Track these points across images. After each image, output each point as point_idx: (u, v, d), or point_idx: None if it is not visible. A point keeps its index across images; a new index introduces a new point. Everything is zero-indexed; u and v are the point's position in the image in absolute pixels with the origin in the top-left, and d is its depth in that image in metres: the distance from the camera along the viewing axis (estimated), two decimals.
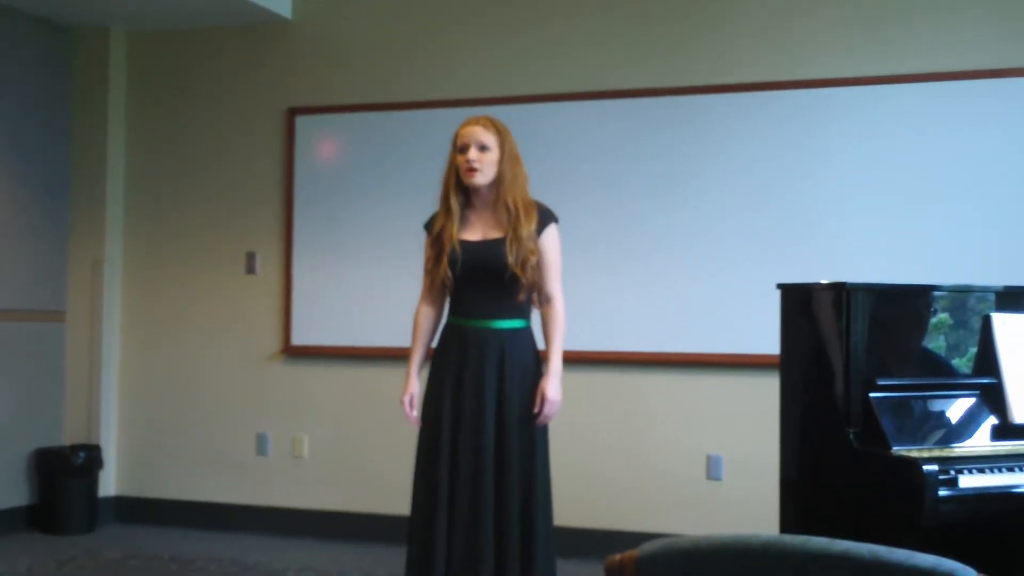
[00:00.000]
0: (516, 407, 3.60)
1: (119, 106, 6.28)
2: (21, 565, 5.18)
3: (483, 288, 3.64)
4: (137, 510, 6.18)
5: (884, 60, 5.12)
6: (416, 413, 3.74)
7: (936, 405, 3.31)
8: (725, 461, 5.28)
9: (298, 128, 5.97)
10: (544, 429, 3.66)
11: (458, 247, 3.64)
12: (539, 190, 3.83)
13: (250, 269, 6.06)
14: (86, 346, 6.17)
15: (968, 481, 3.02)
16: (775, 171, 5.21)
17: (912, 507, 2.98)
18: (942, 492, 2.97)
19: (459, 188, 3.69)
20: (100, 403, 6.15)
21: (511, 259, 3.58)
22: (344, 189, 5.88)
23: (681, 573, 1.49)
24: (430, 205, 3.84)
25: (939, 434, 3.25)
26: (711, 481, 5.31)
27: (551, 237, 3.69)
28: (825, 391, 3.32)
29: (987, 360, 3.32)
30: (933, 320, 3.39)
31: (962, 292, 3.43)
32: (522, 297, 3.66)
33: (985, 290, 3.45)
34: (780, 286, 3.54)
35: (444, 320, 3.81)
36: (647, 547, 1.53)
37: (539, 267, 3.64)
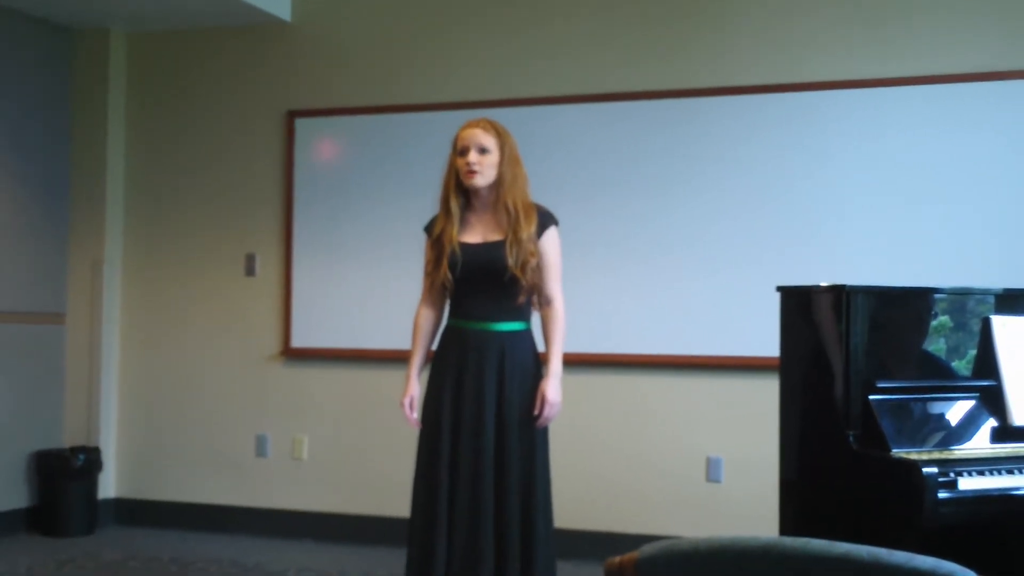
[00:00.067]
0: (516, 409, 3.60)
1: (119, 107, 6.28)
2: (21, 567, 5.17)
3: (483, 290, 3.64)
4: (137, 512, 6.18)
5: (884, 62, 5.12)
6: (416, 415, 3.74)
7: (936, 407, 3.31)
8: (725, 463, 5.28)
9: (298, 130, 5.97)
10: (544, 431, 3.66)
11: (458, 249, 3.64)
12: (538, 192, 3.83)
13: (249, 271, 6.06)
14: (86, 348, 6.17)
15: (968, 483, 3.02)
16: (775, 173, 5.21)
17: (912, 509, 2.98)
18: (942, 494, 2.97)
19: (459, 190, 3.69)
20: (100, 405, 6.15)
21: (511, 261, 3.58)
22: (344, 191, 5.88)
23: (680, 575, 1.49)
24: (430, 207, 3.84)
25: (939, 436, 3.25)
26: (711, 483, 5.31)
27: (551, 239, 3.69)
28: (825, 393, 3.32)
29: (987, 362, 3.32)
30: (933, 323, 3.39)
31: (962, 294, 3.43)
32: (522, 299, 3.66)
33: (985, 292, 3.45)
34: (780, 288, 3.54)
35: (444, 322, 3.81)
36: (646, 549, 1.53)
37: (539, 269, 3.64)
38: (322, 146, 5.96)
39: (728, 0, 5.37)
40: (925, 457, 3.06)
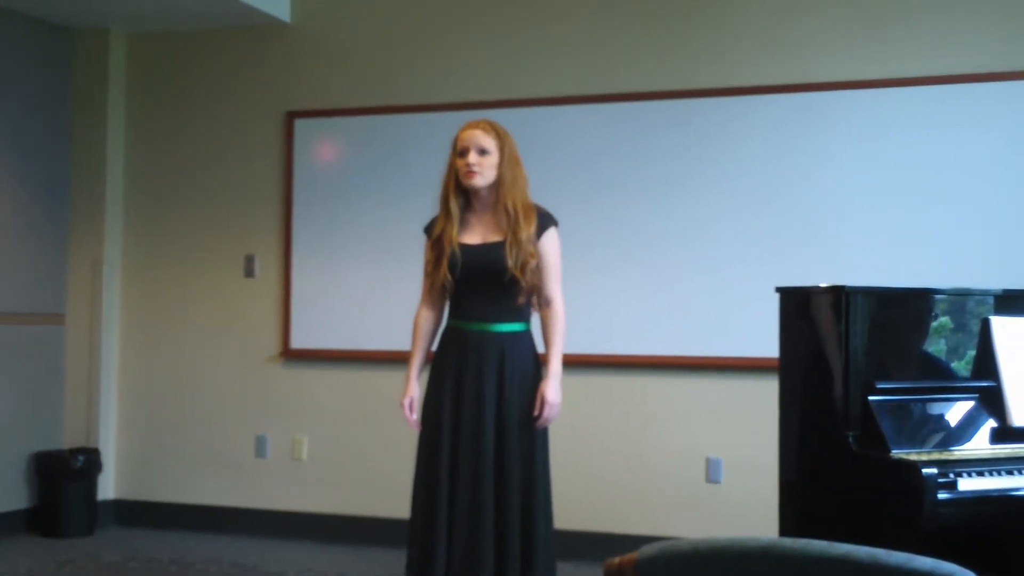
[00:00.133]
0: (516, 410, 3.60)
1: (119, 108, 6.28)
2: (20, 568, 5.17)
3: (483, 291, 3.65)
4: (136, 513, 6.18)
5: (884, 62, 5.12)
6: (416, 416, 3.74)
7: (935, 408, 3.31)
8: (724, 464, 5.28)
9: (297, 131, 5.97)
10: (544, 432, 3.67)
11: (458, 250, 3.64)
12: (538, 193, 3.83)
13: (249, 272, 6.06)
14: (85, 348, 6.17)
15: (967, 484, 3.02)
16: (774, 173, 5.21)
17: (911, 510, 2.98)
18: (941, 495, 2.97)
19: (459, 191, 3.69)
20: (99, 406, 6.15)
21: (511, 262, 3.58)
22: (343, 192, 5.88)
23: None
24: (429, 208, 3.84)
25: (938, 437, 3.25)
26: (710, 484, 5.31)
27: (551, 240, 3.69)
28: (824, 394, 3.32)
29: (986, 363, 3.32)
30: (933, 323, 3.39)
31: (961, 295, 3.43)
32: (522, 300, 3.66)
33: (984, 293, 3.45)
34: (779, 289, 3.54)
35: (444, 323, 3.81)
36: (646, 550, 1.53)
37: (539, 270, 3.65)
38: (322, 147, 5.96)
39: (728, 1, 5.37)
40: (925, 458, 3.06)
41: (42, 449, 5.99)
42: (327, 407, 5.90)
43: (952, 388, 3.34)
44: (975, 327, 3.37)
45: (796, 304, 3.50)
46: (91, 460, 5.96)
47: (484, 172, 3.64)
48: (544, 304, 3.70)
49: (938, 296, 3.42)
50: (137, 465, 6.22)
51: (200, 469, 6.10)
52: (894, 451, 3.09)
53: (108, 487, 6.18)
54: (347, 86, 5.93)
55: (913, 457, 3.05)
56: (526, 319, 3.72)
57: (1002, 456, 3.17)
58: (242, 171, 6.11)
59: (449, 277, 3.65)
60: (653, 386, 5.39)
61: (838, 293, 3.28)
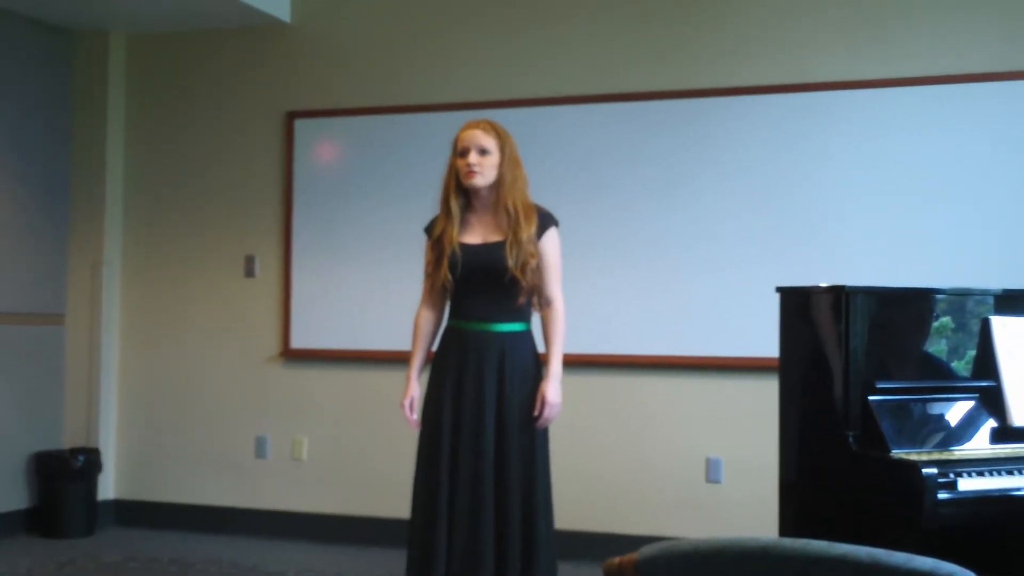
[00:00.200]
0: (516, 410, 3.60)
1: (119, 108, 6.28)
2: (20, 568, 5.17)
3: (483, 291, 3.65)
4: (136, 513, 6.18)
5: (884, 63, 5.12)
6: (416, 416, 3.74)
7: (935, 408, 3.31)
8: (724, 464, 5.28)
9: (297, 131, 5.97)
10: (544, 432, 3.67)
11: (458, 250, 3.64)
12: (538, 193, 3.83)
13: (249, 273, 6.06)
14: (85, 349, 6.17)
15: (967, 484, 3.02)
16: (774, 173, 5.21)
17: (911, 510, 2.98)
18: (941, 495, 2.97)
19: (459, 191, 3.70)
20: (99, 406, 6.15)
21: (511, 262, 3.58)
22: (343, 192, 5.88)
23: None
24: (429, 208, 3.84)
25: (938, 437, 3.25)
26: (710, 484, 5.31)
27: (551, 240, 3.69)
28: (824, 394, 3.32)
29: (986, 363, 3.32)
30: (933, 323, 3.39)
31: (961, 295, 3.43)
32: (522, 300, 3.66)
33: (984, 293, 3.45)
34: (779, 289, 3.54)
35: (444, 323, 3.81)
36: (646, 550, 1.53)
37: (539, 270, 3.65)
38: (322, 147, 5.96)
39: (728, 1, 5.37)
40: (925, 458, 3.06)
41: (42, 449, 5.99)
42: (327, 407, 5.90)
43: (952, 388, 3.34)
44: (975, 327, 3.37)
45: (796, 304, 3.50)
46: (91, 460, 5.96)
47: (484, 172, 3.64)
48: (544, 304, 3.70)
49: (938, 296, 3.42)
50: (137, 465, 6.22)
51: (200, 469, 6.10)
52: (894, 451, 3.09)
53: (108, 487, 6.19)
54: (347, 86, 5.93)
55: (913, 457, 3.05)
56: (526, 319, 3.72)
57: (1002, 456, 3.17)
58: (242, 171, 6.11)
59: (449, 277, 3.65)
60: (653, 386, 5.39)
61: (838, 293, 3.28)
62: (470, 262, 3.63)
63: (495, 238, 3.65)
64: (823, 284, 3.41)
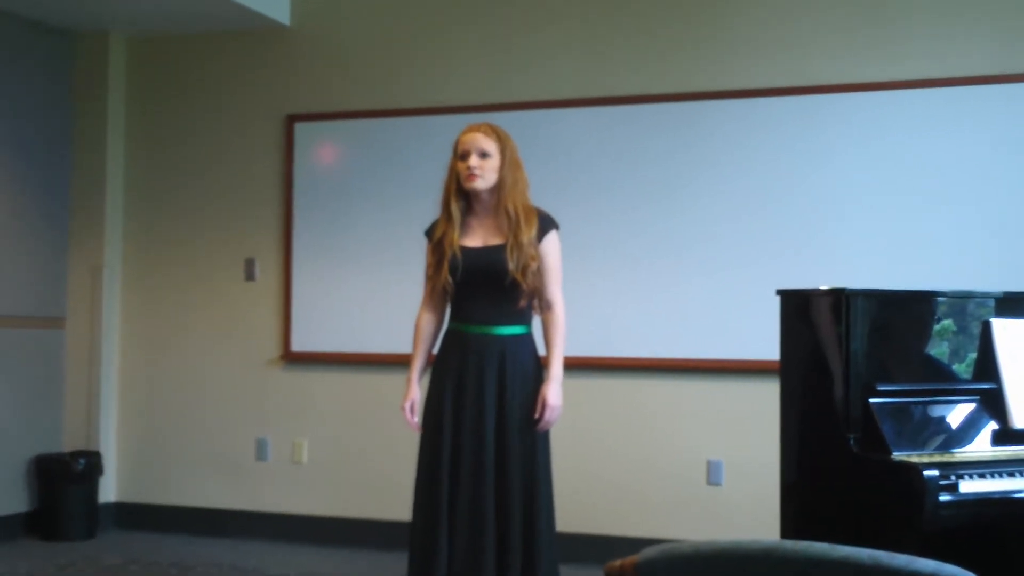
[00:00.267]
0: (517, 413, 3.60)
1: (119, 111, 6.29)
2: (20, 571, 5.17)
3: (484, 294, 3.65)
4: (137, 516, 6.18)
5: (883, 65, 5.13)
6: (417, 419, 3.74)
7: (936, 410, 3.31)
8: (725, 466, 5.28)
9: (297, 134, 5.97)
10: (545, 435, 3.67)
11: (459, 253, 3.64)
12: (539, 195, 3.83)
13: (249, 276, 6.06)
14: (86, 352, 6.17)
15: (969, 486, 3.01)
16: (775, 176, 5.22)
17: (912, 512, 2.98)
18: (943, 497, 2.97)
19: (460, 194, 3.70)
20: (100, 409, 6.15)
21: (512, 265, 3.58)
22: (344, 195, 5.88)
23: None
24: (430, 211, 3.84)
25: (939, 439, 3.24)
26: (711, 486, 5.30)
27: (552, 243, 3.70)
28: (825, 396, 3.31)
29: (987, 365, 3.32)
30: (933, 326, 3.39)
31: (962, 297, 3.43)
32: (523, 303, 3.66)
33: (985, 296, 3.45)
34: (779, 291, 3.54)
35: (445, 326, 3.81)
36: (647, 553, 1.53)
37: (540, 273, 3.65)
38: (322, 150, 5.96)
39: (728, 3, 5.37)
40: (926, 460, 3.06)
41: (42, 452, 5.99)
42: (328, 410, 5.90)
43: (953, 390, 3.34)
44: (976, 329, 3.37)
45: (797, 306, 3.50)
46: (92, 463, 5.96)
47: (485, 175, 3.64)
48: (545, 307, 3.70)
49: (939, 298, 3.42)
50: (138, 468, 6.22)
51: (201, 472, 6.10)
52: (895, 453, 3.09)
53: (109, 490, 6.18)
54: (347, 89, 5.93)
55: (914, 459, 3.05)
56: (527, 322, 3.72)
57: (1003, 458, 3.16)
58: (242, 174, 6.11)
59: (450, 280, 3.65)
60: (654, 388, 5.38)
61: (838, 295, 3.28)
62: (471, 265, 3.63)
63: (496, 241, 3.65)
64: (823, 286, 3.41)
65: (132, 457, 6.23)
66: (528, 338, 3.71)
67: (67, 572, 5.18)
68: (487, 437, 3.58)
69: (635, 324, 5.37)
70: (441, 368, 3.71)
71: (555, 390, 3.61)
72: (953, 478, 3.00)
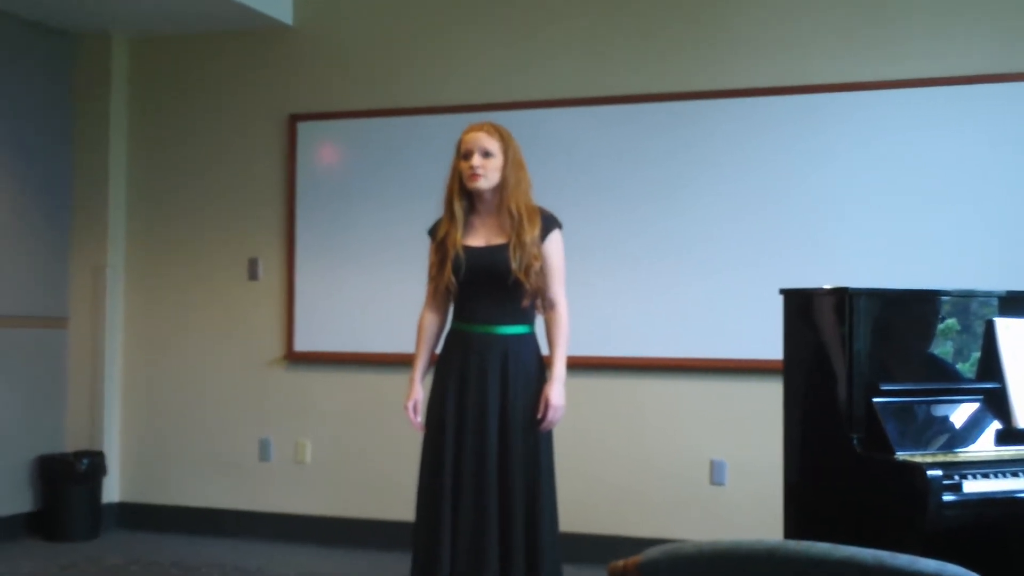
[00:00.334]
0: (520, 412, 3.60)
1: (121, 112, 6.29)
2: (23, 571, 5.18)
3: (487, 293, 3.65)
4: (140, 516, 6.18)
5: (883, 64, 5.12)
6: (420, 419, 3.74)
7: (940, 410, 3.31)
8: (728, 466, 5.28)
9: (300, 134, 5.97)
10: (548, 434, 3.66)
11: (462, 253, 3.64)
12: (540, 195, 3.83)
13: (252, 275, 6.06)
14: (88, 352, 6.17)
15: (972, 486, 3.01)
16: (776, 175, 5.21)
17: (916, 512, 2.98)
18: (946, 497, 2.97)
19: (463, 194, 3.70)
20: (103, 409, 6.15)
21: (515, 265, 3.58)
22: (346, 194, 5.88)
23: None
24: (432, 210, 3.84)
25: (943, 439, 3.24)
26: (714, 486, 5.30)
27: (554, 243, 3.69)
28: (828, 396, 3.31)
29: (990, 365, 3.32)
30: (937, 325, 3.39)
31: (965, 297, 3.43)
32: (526, 303, 3.66)
33: (988, 295, 3.45)
34: (782, 291, 3.54)
35: (448, 326, 3.81)
36: (650, 553, 1.53)
37: (542, 273, 3.65)
38: (324, 149, 5.96)
39: (729, 3, 5.37)
40: (929, 460, 3.05)
41: (46, 452, 6.00)
42: (330, 410, 5.90)
43: (956, 390, 3.34)
44: (979, 329, 3.37)
45: (800, 306, 3.50)
46: (95, 463, 5.96)
47: (488, 175, 3.64)
48: (548, 307, 3.70)
49: (942, 298, 3.42)
50: (141, 468, 6.23)
51: (204, 472, 6.10)
52: (898, 453, 3.08)
53: (112, 490, 6.19)
54: (349, 89, 5.93)
55: (917, 459, 3.05)
56: (530, 322, 3.72)
57: (1007, 458, 3.16)
58: (245, 174, 6.11)
59: (453, 280, 3.65)
60: (656, 388, 5.38)
61: (841, 295, 3.27)
62: (474, 265, 3.63)
63: (498, 241, 3.65)
64: (827, 286, 3.41)
65: (135, 457, 6.23)
66: (531, 338, 3.71)
67: (70, 572, 5.19)
68: (490, 437, 3.58)
69: (637, 324, 5.37)
70: (444, 368, 3.71)
71: (558, 390, 3.61)
72: (956, 478, 3.00)
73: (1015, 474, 3.09)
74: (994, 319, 3.35)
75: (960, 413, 3.31)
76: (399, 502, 5.10)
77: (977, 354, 3.36)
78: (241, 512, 6.02)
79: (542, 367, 3.71)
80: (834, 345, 3.31)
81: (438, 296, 3.78)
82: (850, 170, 5.12)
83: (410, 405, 3.74)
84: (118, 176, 6.26)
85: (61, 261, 6.18)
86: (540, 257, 3.63)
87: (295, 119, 5.99)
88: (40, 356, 6.07)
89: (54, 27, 6.10)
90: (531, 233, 3.61)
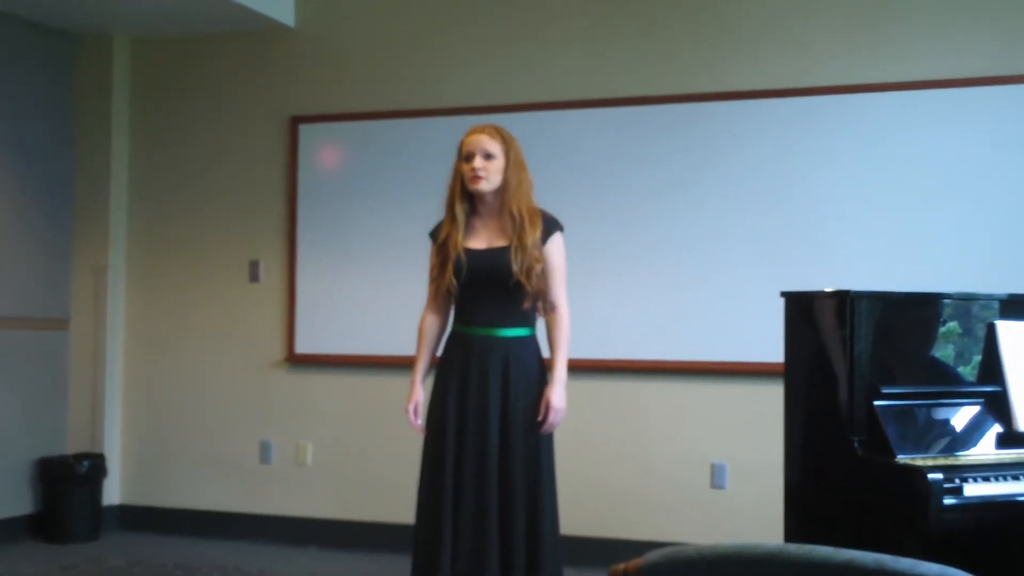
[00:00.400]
0: (521, 415, 3.60)
1: (122, 113, 6.29)
2: (25, 573, 5.18)
3: (488, 296, 3.64)
4: (141, 518, 6.18)
5: (886, 67, 5.12)
6: (421, 421, 3.74)
7: (940, 413, 3.31)
8: (729, 469, 5.28)
9: (301, 135, 5.98)
10: (549, 437, 3.66)
11: (463, 255, 3.64)
12: (542, 197, 3.83)
13: (254, 277, 6.06)
14: (90, 354, 6.17)
15: (973, 489, 3.01)
16: (779, 177, 5.21)
17: (916, 515, 2.97)
18: (947, 500, 2.96)
19: (464, 196, 3.70)
20: (104, 411, 6.15)
21: (516, 267, 3.58)
22: (347, 196, 5.88)
23: None
24: (434, 212, 3.84)
25: (944, 442, 3.24)
26: (715, 489, 5.30)
27: (556, 245, 3.69)
28: (829, 399, 3.31)
29: (991, 368, 3.32)
30: (939, 329, 3.39)
31: (966, 300, 3.43)
32: (527, 305, 3.66)
33: (989, 298, 3.45)
34: (784, 294, 3.54)
35: (449, 328, 3.81)
36: (651, 556, 1.53)
37: (544, 275, 3.65)
38: (326, 151, 5.96)
39: (731, 5, 5.37)
40: (930, 463, 3.05)
41: (46, 454, 6.00)
42: (331, 412, 5.90)
43: (957, 393, 3.34)
44: (980, 331, 3.37)
45: (801, 309, 3.50)
46: (95, 465, 5.96)
47: (490, 177, 3.64)
48: (549, 309, 3.70)
49: (943, 300, 3.42)
50: (141, 470, 6.23)
51: (204, 474, 6.10)
52: (899, 456, 3.08)
53: (113, 492, 6.19)
54: (351, 90, 5.94)
55: (918, 462, 3.05)
56: (531, 324, 3.72)
57: (1008, 461, 3.16)
58: (246, 176, 6.11)
59: (454, 282, 3.65)
60: (657, 391, 5.38)
61: (843, 298, 3.27)
62: (475, 267, 3.63)
63: (500, 243, 3.65)
64: (828, 289, 3.41)
65: (136, 459, 6.24)
66: (532, 340, 3.71)
67: (71, 574, 5.19)
68: (491, 439, 3.58)
69: (638, 326, 5.37)
70: (445, 370, 3.70)
71: (559, 392, 3.61)
72: (957, 481, 2.99)
73: (1016, 477, 3.08)
74: (995, 322, 3.35)
75: (961, 416, 3.31)
76: (400, 504, 5.10)
77: (978, 357, 3.36)
78: (242, 514, 6.02)
79: (543, 370, 3.71)
80: (835, 348, 3.31)
81: (439, 298, 3.78)
82: (851, 172, 5.12)
83: (411, 407, 3.74)
84: (119, 177, 6.27)
85: (62, 262, 6.19)
86: (541, 259, 3.63)
87: (296, 121, 5.99)
88: (41, 357, 6.07)
89: (55, 27, 6.10)
90: (532, 235, 3.61)
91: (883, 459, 3.10)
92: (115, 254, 6.23)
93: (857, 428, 3.19)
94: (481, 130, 3.69)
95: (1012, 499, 3.07)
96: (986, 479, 3.04)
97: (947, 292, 3.49)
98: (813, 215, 5.15)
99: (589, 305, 5.20)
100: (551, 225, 3.70)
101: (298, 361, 5.97)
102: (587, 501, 5.32)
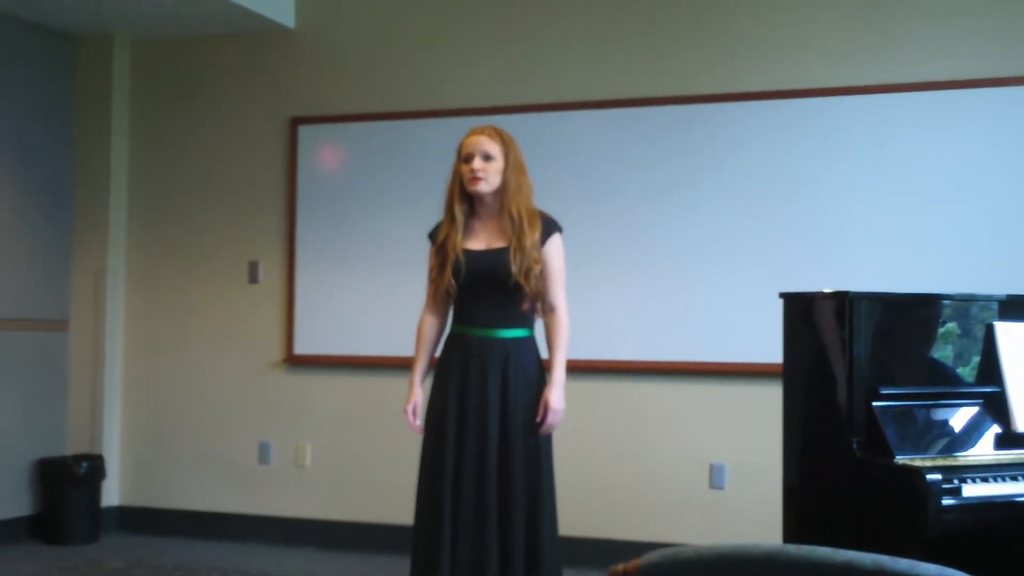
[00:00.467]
0: (520, 416, 3.60)
1: (123, 114, 6.29)
2: (24, 574, 5.17)
3: (487, 297, 3.65)
4: (140, 519, 6.18)
5: (886, 68, 5.12)
6: (419, 422, 3.74)
7: (939, 414, 3.31)
8: (728, 470, 5.28)
9: (301, 137, 5.98)
10: (548, 438, 3.66)
11: (462, 256, 3.64)
12: (542, 198, 3.83)
13: (253, 278, 6.07)
14: (89, 355, 6.17)
15: (971, 490, 3.01)
16: (778, 179, 5.21)
17: (915, 516, 2.98)
18: (945, 501, 2.97)
19: (463, 197, 3.70)
20: (103, 412, 6.15)
21: (515, 268, 3.58)
22: (347, 198, 5.88)
23: None
24: (433, 213, 3.84)
25: (942, 443, 3.24)
26: (714, 490, 5.30)
27: (555, 246, 3.69)
28: (828, 399, 3.31)
29: (990, 369, 3.32)
30: (938, 330, 3.39)
31: (965, 301, 3.43)
32: (526, 306, 3.66)
33: (988, 299, 3.45)
34: (783, 295, 3.54)
35: (448, 329, 3.81)
36: (650, 557, 1.53)
37: (543, 276, 3.65)
38: (325, 153, 5.96)
39: (731, 7, 5.37)
40: (929, 464, 3.05)
41: (46, 455, 5.99)
42: (330, 413, 5.90)
43: (956, 394, 3.34)
44: (979, 332, 3.37)
45: (800, 310, 3.50)
46: (95, 466, 5.96)
47: (489, 178, 3.64)
48: (548, 310, 3.70)
49: (942, 302, 3.42)
50: (141, 471, 6.23)
51: (204, 475, 6.10)
52: (898, 457, 3.08)
53: (112, 493, 6.19)
54: (351, 92, 5.94)
55: (917, 463, 3.05)
56: (530, 325, 3.72)
57: (1006, 462, 3.16)
58: (246, 177, 6.12)
59: (453, 283, 3.65)
60: (656, 392, 5.38)
61: (842, 299, 3.27)
62: (474, 268, 3.63)
63: (499, 244, 3.66)
64: (827, 290, 3.41)
65: (135, 460, 6.23)
66: (531, 341, 3.71)
67: (70, 575, 5.18)
68: (490, 440, 3.58)
69: (638, 327, 5.37)
70: (443, 371, 3.70)
71: (558, 393, 3.61)
72: (956, 482, 3.00)
73: (1014, 478, 3.08)
74: (994, 323, 3.35)
75: (960, 417, 3.31)
76: (399, 505, 5.09)
77: (977, 358, 3.37)
78: (241, 515, 6.02)
79: (542, 371, 3.71)
80: (834, 349, 3.31)
81: (438, 299, 3.78)
82: (851, 173, 5.12)
83: (409, 408, 3.74)
84: (119, 179, 6.27)
85: (62, 263, 6.19)
86: (540, 261, 3.63)
87: (296, 122, 5.99)
88: (40, 359, 6.07)
89: (56, 29, 6.11)
90: (531, 237, 3.61)
91: (882, 460, 3.10)
92: (115, 255, 6.23)
93: (856, 429, 3.19)
94: (481, 131, 3.70)
95: (1011, 500, 3.07)
96: (985, 480, 3.04)
97: (946, 293, 3.50)
98: (813, 216, 5.16)
99: (588, 306, 5.20)
100: (550, 226, 3.70)
101: (297, 362, 5.97)
102: (586, 502, 5.32)
